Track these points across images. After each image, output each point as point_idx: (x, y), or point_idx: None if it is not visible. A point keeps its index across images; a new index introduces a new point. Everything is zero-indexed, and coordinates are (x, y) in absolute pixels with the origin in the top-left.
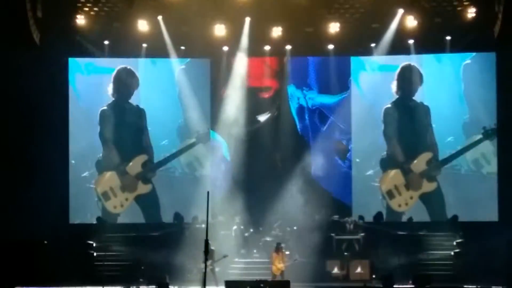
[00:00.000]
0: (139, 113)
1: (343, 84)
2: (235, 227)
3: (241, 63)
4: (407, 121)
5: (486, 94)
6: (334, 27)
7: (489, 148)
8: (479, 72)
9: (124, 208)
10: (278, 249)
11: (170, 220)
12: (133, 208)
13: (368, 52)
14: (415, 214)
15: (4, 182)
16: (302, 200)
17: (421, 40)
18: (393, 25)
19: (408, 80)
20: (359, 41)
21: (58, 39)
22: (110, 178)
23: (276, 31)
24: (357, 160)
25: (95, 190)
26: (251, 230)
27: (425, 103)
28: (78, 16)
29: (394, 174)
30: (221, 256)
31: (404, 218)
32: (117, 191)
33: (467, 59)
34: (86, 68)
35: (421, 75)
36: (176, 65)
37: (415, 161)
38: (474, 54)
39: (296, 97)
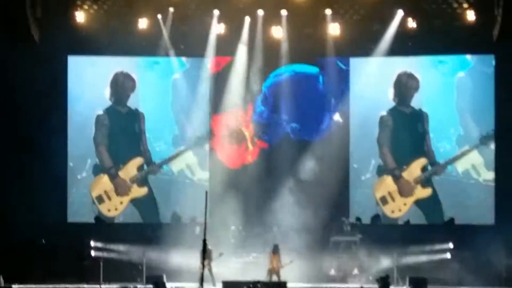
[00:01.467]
0: (137, 116)
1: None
2: (233, 227)
3: (240, 62)
4: (403, 129)
5: (482, 105)
6: (334, 28)
7: (479, 159)
8: (472, 85)
9: (118, 212)
10: (275, 250)
11: (168, 220)
12: (131, 210)
13: (367, 53)
14: (412, 218)
15: (2, 182)
16: (299, 201)
17: (420, 42)
18: (393, 27)
19: (404, 87)
20: (359, 42)
21: (57, 37)
22: (104, 181)
23: (276, 31)
24: (355, 165)
25: (90, 193)
26: (248, 230)
27: (423, 109)
28: (77, 13)
29: (387, 181)
30: (217, 255)
31: (401, 221)
32: (111, 195)
33: (462, 71)
34: (85, 66)
35: (417, 81)
36: (175, 66)
37: (408, 168)
38: (469, 66)
39: None
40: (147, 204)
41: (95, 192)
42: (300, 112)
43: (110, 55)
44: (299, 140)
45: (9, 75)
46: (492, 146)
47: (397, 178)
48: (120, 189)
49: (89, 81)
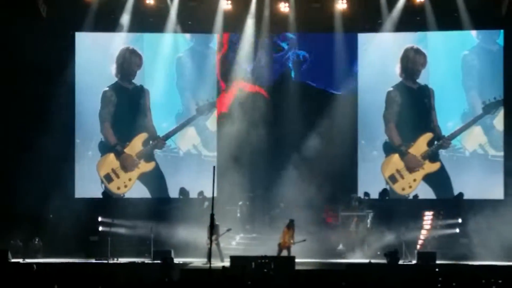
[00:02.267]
0: (142, 93)
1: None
2: (240, 202)
3: (248, 39)
4: (409, 104)
5: (488, 82)
6: (341, 3)
7: (484, 139)
8: (478, 63)
9: (128, 189)
10: (290, 225)
11: (176, 195)
12: (139, 186)
13: (375, 29)
14: (422, 194)
15: (10, 157)
16: (307, 177)
17: (429, 17)
18: (401, 2)
19: (411, 62)
20: (366, 17)
21: (65, 13)
22: (111, 160)
23: (283, 7)
24: (363, 142)
25: (98, 172)
26: (256, 205)
27: (430, 86)
28: None
29: (394, 159)
30: (225, 230)
31: (410, 196)
32: (119, 172)
33: (467, 49)
34: (92, 43)
35: (425, 57)
36: (181, 42)
37: (415, 144)
38: (474, 44)
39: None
40: (155, 180)
41: (102, 171)
42: (312, 49)
43: (117, 32)
44: (302, 83)
45: (16, 51)
46: (496, 114)
47: (403, 155)
48: (128, 165)
49: (95, 57)
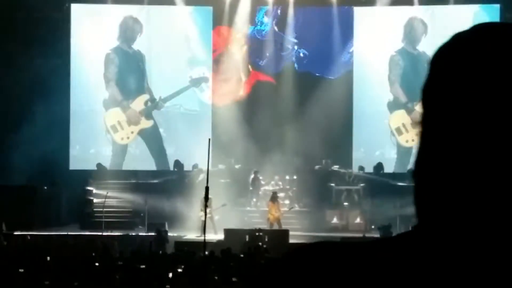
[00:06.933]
0: (141, 57)
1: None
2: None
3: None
4: (410, 68)
5: None
6: None
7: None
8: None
9: (130, 140)
10: (273, 198)
11: (171, 155)
12: (139, 140)
13: (371, 2)
14: None
15: (4, 127)
16: (303, 149)
17: None
18: None
19: (413, 30)
20: None
21: None
22: (117, 113)
23: None
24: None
25: (105, 123)
26: (251, 179)
27: (428, 53)
28: None
29: (401, 114)
30: (220, 205)
31: (403, 170)
32: (124, 124)
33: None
34: (88, 14)
35: (425, 26)
36: (180, 13)
37: (418, 104)
38: (477, 8)
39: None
40: (152, 137)
41: (109, 122)
42: (311, 39)
43: (114, 3)
44: (305, 73)
45: (10, 24)
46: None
47: (410, 111)
48: (131, 119)
49: (92, 27)
